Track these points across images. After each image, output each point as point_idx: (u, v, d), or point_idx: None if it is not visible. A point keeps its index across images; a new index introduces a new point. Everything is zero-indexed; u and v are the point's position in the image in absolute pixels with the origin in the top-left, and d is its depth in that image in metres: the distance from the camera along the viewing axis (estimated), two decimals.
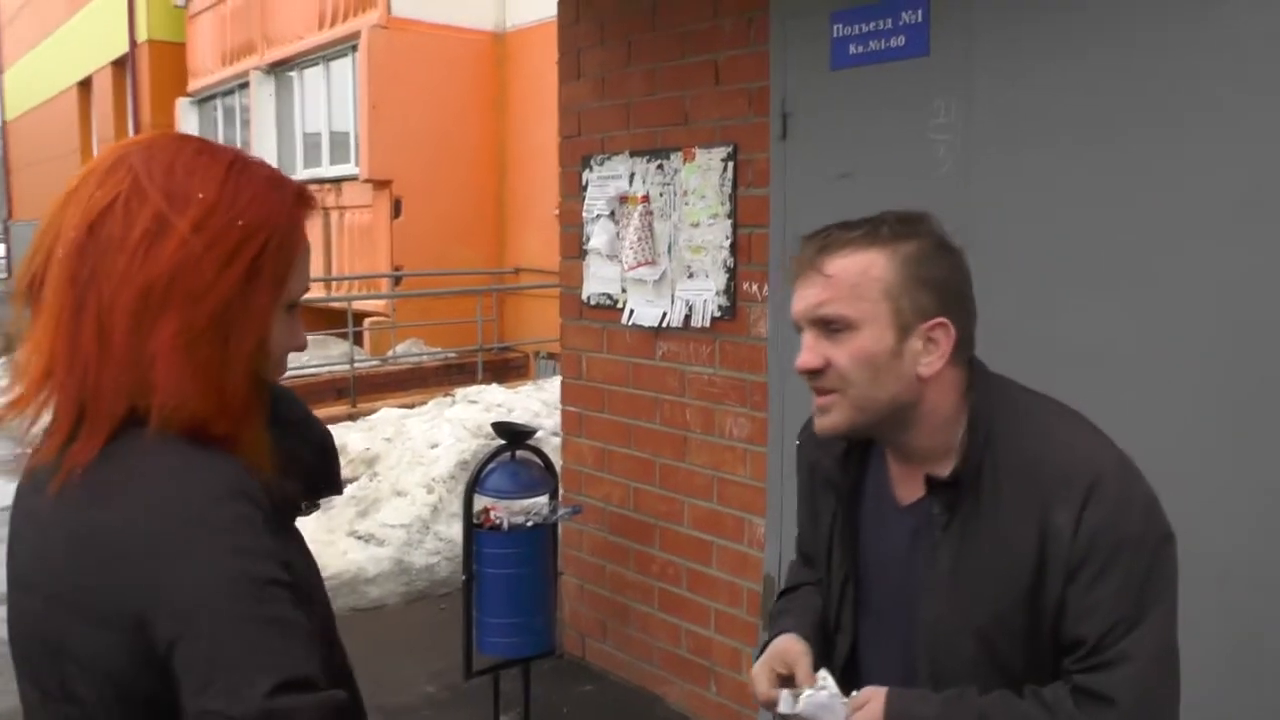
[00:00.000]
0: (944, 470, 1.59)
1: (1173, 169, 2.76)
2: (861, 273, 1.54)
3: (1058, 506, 1.50)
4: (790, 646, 1.72)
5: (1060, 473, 1.52)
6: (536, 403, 8.69)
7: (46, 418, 1.24)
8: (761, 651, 1.80)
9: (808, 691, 1.60)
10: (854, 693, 1.62)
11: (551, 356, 5.16)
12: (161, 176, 1.22)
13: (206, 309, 1.20)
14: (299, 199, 1.32)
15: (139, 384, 1.18)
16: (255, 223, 1.24)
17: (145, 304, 1.18)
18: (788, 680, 1.68)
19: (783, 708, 1.61)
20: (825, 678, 1.62)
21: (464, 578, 4.35)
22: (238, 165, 1.28)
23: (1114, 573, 1.47)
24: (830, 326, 1.55)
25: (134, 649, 1.12)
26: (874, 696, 1.58)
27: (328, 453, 1.50)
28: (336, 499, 7.09)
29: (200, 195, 1.22)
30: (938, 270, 1.56)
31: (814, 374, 1.58)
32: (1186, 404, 2.77)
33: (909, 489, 1.66)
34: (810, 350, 1.57)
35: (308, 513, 1.50)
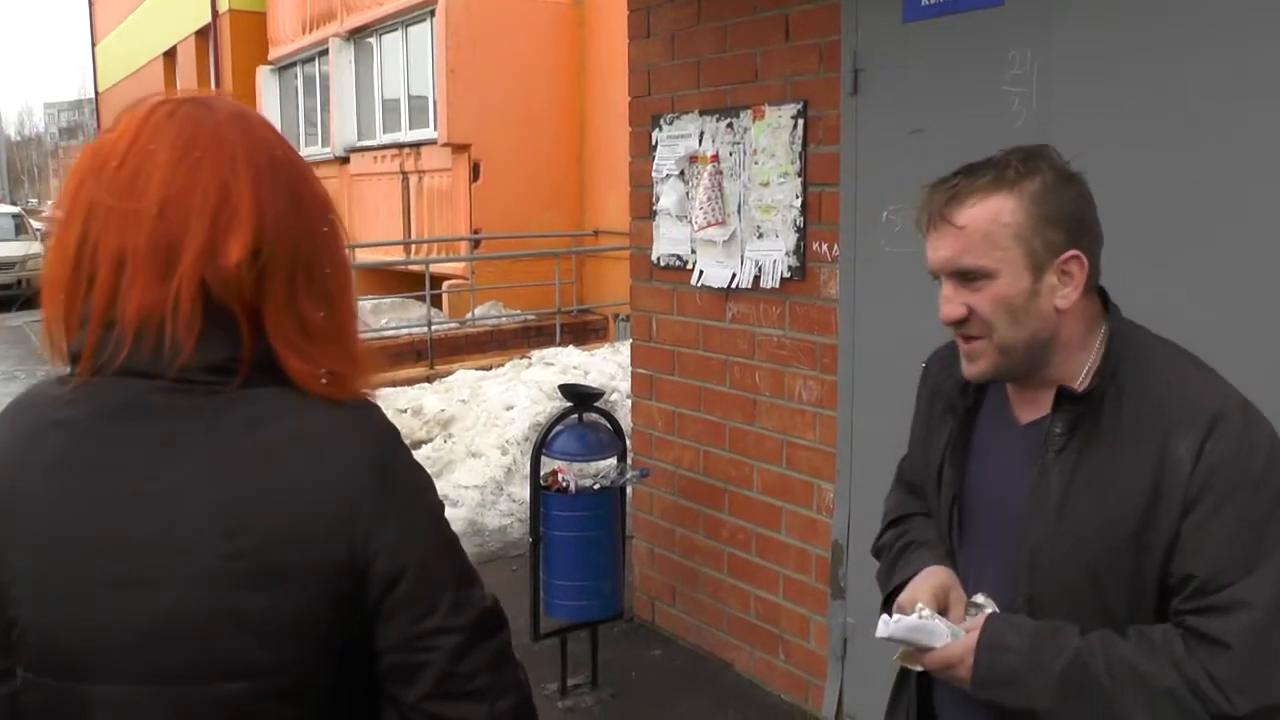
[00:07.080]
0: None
1: (1259, 132, 2.61)
2: (992, 220, 1.55)
3: (1179, 436, 1.49)
4: (951, 585, 1.70)
5: (1186, 404, 1.52)
6: (613, 365, 8.68)
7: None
8: (894, 588, 1.78)
9: (906, 617, 1.63)
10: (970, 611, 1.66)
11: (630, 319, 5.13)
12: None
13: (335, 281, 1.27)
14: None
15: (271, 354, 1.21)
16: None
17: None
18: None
19: (880, 631, 1.64)
20: (921, 609, 1.63)
21: (530, 540, 4.36)
22: None
23: (1231, 509, 1.46)
24: (968, 276, 1.57)
25: (332, 596, 1.16)
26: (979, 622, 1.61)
27: None
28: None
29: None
30: (1064, 204, 1.57)
31: (958, 323, 1.61)
32: (1256, 377, 2.63)
33: (1029, 410, 1.67)
34: (950, 301, 1.60)
35: None
